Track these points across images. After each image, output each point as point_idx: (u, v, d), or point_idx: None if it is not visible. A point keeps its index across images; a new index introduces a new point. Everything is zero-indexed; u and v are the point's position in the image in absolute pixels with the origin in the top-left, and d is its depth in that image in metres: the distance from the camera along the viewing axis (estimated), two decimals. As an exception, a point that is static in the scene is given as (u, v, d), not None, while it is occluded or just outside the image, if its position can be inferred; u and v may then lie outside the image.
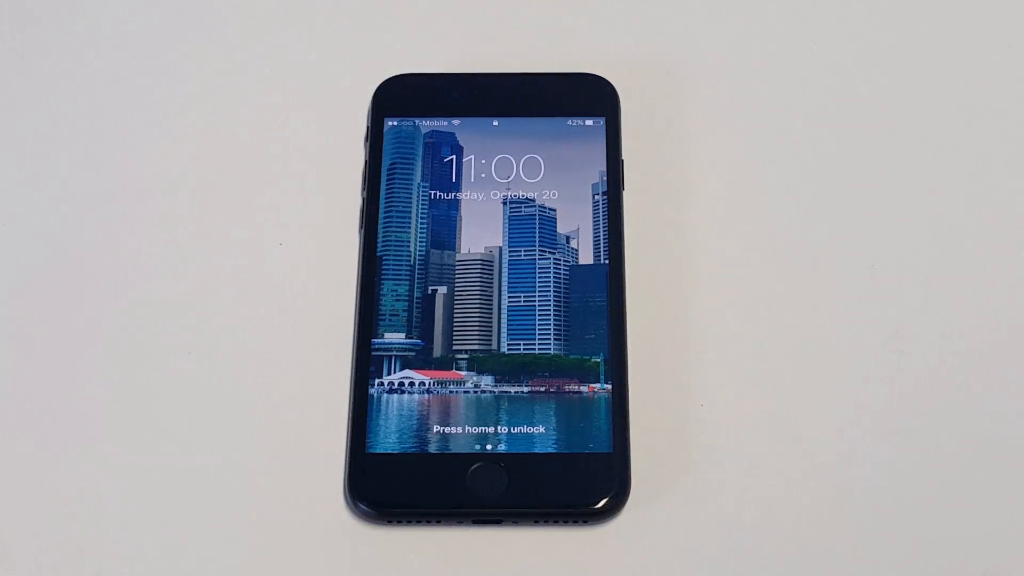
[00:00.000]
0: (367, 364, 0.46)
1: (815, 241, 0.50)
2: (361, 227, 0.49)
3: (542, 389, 0.46)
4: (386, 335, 0.47)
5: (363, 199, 0.50)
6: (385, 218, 0.49)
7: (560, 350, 0.47)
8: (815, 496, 0.45)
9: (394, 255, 0.48)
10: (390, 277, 0.48)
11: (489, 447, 0.45)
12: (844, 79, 0.53)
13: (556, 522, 0.44)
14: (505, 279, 0.48)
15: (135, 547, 0.44)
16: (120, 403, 0.47)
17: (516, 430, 0.45)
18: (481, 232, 0.49)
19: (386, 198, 0.49)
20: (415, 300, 0.48)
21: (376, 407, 0.46)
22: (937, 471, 0.45)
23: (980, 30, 0.54)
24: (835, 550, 0.44)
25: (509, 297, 0.48)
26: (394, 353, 0.47)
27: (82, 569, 0.44)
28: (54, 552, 0.44)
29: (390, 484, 0.44)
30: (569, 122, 0.51)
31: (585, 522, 0.44)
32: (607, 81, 0.51)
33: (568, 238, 0.49)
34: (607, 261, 0.48)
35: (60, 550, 0.44)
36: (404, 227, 0.49)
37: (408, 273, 0.48)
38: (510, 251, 0.49)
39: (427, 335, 0.47)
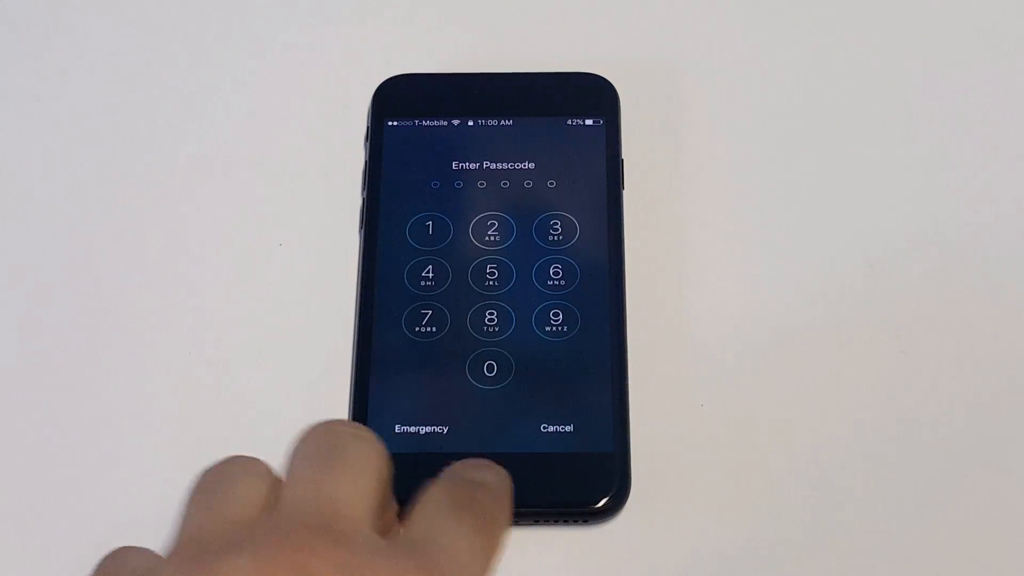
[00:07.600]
0: (367, 364, 0.46)
1: (815, 241, 0.50)
2: (361, 227, 0.49)
3: (541, 389, 0.46)
4: (386, 335, 0.47)
5: (363, 199, 0.50)
6: (385, 218, 0.49)
7: (560, 350, 0.47)
8: (815, 497, 0.45)
9: (394, 255, 0.48)
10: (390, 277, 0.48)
11: (488, 447, 0.45)
12: (845, 79, 0.53)
13: (556, 522, 0.44)
14: (504, 279, 0.48)
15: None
16: (118, 404, 0.47)
17: (515, 429, 0.45)
18: (481, 232, 0.49)
19: (386, 198, 0.49)
20: (415, 300, 0.48)
21: (375, 407, 0.45)
22: (939, 472, 0.45)
23: (981, 30, 0.54)
24: (835, 550, 0.44)
25: (508, 297, 0.48)
26: (394, 353, 0.47)
27: (80, 568, 0.44)
28: (52, 551, 0.44)
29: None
30: (569, 122, 0.51)
31: (585, 522, 0.44)
32: (607, 81, 0.51)
33: (568, 238, 0.49)
34: (607, 261, 0.48)
35: (57, 548, 0.44)
36: (404, 227, 0.49)
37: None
38: (509, 251, 0.48)
39: (427, 335, 0.47)
